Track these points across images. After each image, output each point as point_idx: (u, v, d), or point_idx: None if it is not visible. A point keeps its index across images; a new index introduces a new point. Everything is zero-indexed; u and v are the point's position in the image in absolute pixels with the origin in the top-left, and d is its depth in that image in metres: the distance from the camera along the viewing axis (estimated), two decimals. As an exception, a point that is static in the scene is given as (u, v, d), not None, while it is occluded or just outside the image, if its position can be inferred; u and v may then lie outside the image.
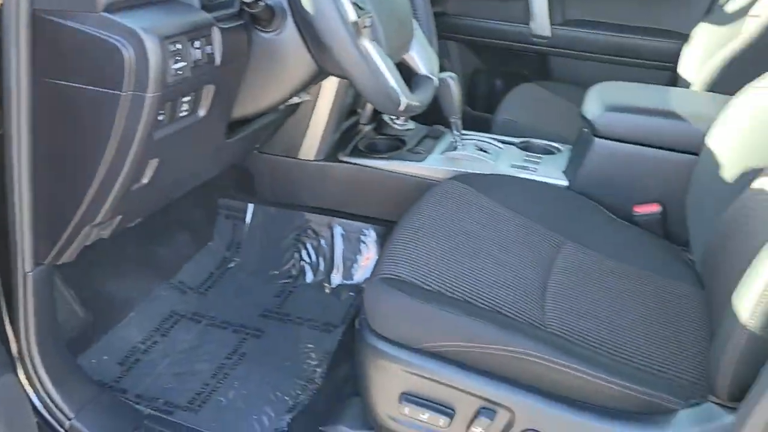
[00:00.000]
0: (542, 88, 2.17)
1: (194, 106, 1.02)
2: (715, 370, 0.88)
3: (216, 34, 1.00)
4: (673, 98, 1.46)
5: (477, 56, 2.50)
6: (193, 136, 1.07)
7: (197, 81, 0.99)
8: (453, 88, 1.53)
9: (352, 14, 0.99)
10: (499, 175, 1.48)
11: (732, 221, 1.13)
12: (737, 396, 0.84)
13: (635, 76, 2.24)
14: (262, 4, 1.00)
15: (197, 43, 0.96)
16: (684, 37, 2.11)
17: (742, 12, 1.82)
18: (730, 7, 1.90)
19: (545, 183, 1.48)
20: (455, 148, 1.59)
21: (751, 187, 1.12)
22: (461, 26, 2.40)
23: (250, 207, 1.72)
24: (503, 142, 1.68)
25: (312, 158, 1.60)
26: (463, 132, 1.65)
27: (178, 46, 0.92)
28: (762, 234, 0.98)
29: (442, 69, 2.45)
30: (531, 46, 2.33)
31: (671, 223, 1.40)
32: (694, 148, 1.32)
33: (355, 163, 1.60)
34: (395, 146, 1.65)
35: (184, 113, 1.01)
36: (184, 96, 0.98)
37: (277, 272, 1.68)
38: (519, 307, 1.04)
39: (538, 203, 1.36)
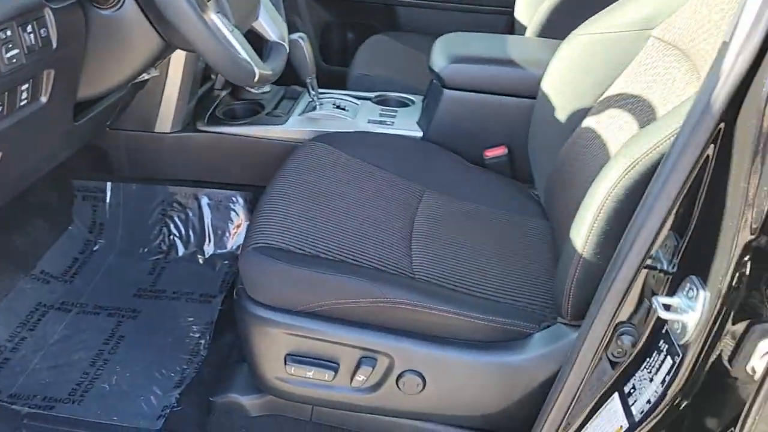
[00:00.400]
0: (392, 39, 2.22)
1: (34, 93, 0.97)
2: (560, 294, 1.00)
3: (49, 16, 0.95)
4: (511, 46, 1.56)
5: (326, 11, 2.51)
6: (38, 123, 1.02)
7: (34, 67, 0.94)
8: (305, 48, 1.55)
9: (194, -10, 0.98)
10: (358, 132, 1.53)
11: (566, 157, 1.26)
12: (580, 315, 0.96)
13: (477, 22, 2.37)
14: (95, -20, 0.96)
15: (29, 28, 0.91)
16: None
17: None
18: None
19: (401, 135, 1.55)
20: (314, 108, 1.62)
21: (581, 125, 1.25)
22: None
23: (109, 185, 1.66)
24: (359, 98, 1.73)
25: (168, 130, 1.56)
26: (320, 90, 1.68)
27: (8, 33, 0.87)
28: (591, 168, 1.11)
29: (292, 27, 2.46)
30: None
31: (517, 163, 1.52)
32: (533, 93, 1.43)
33: (214, 132, 1.58)
34: (254, 111, 1.64)
35: (24, 102, 0.96)
36: (21, 84, 0.93)
37: (147, 249, 1.65)
38: (388, 259, 1.11)
39: (397, 156, 1.43)
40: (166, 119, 1.55)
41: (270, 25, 1.23)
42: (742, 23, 0.67)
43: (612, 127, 1.16)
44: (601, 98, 1.25)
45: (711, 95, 0.68)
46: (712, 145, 0.71)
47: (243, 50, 1.05)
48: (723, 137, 0.70)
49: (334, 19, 2.53)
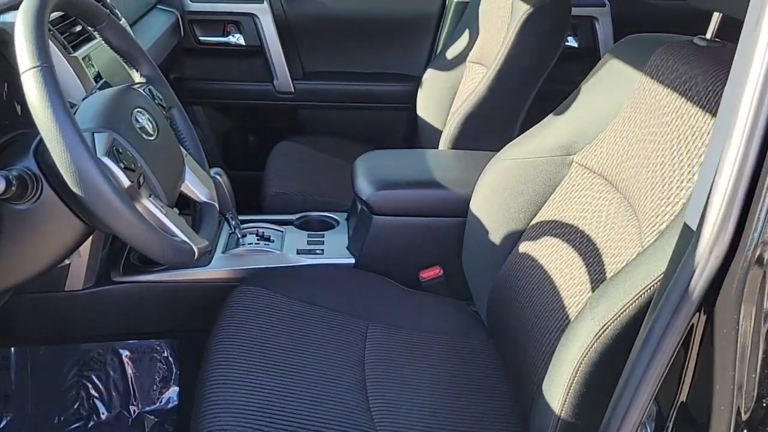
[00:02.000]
0: (298, 145, 2.20)
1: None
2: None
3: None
4: (434, 165, 1.58)
5: (227, 117, 2.45)
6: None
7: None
8: (223, 184, 1.48)
9: (125, 180, 0.91)
10: (290, 267, 1.48)
11: (507, 281, 1.27)
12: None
13: (378, 118, 2.41)
14: (13, 188, 0.87)
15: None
16: (415, 80, 2.30)
17: (461, 58, 2.04)
18: (449, 54, 2.10)
19: (334, 266, 1.51)
20: (237, 243, 1.55)
21: (517, 249, 1.27)
22: (204, 90, 2.34)
23: (13, 352, 1.49)
24: (281, 222, 1.68)
25: (81, 287, 1.43)
26: (240, 217, 1.61)
27: None
28: (538, 300, 1.13)
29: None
30: (278, 102, 2.34)
31: (452, 281, 1.52)
32: (461, 212, 1.45)
33: (131, 282, 1.47)
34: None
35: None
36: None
37: (63, 418, 1.49)
38: (348, 420, 1.06)
39: (333, 290, 1.39)
40: (77, 276, 1.42)
41: (198, 185, 1.17)
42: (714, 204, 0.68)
43: (552, 257, 1.18)
44: (533, 222, 1.28)
45: (688, 283, 0.70)
46: (693, 327, 0.73)
47: (179, 230, 0.98)
48: (705, 324, 0.71)
49: (235, 125, 2.48)
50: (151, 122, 1.05)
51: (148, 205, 0.96)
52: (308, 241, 1.60)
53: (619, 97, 1.17)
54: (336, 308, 1.33)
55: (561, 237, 1.20)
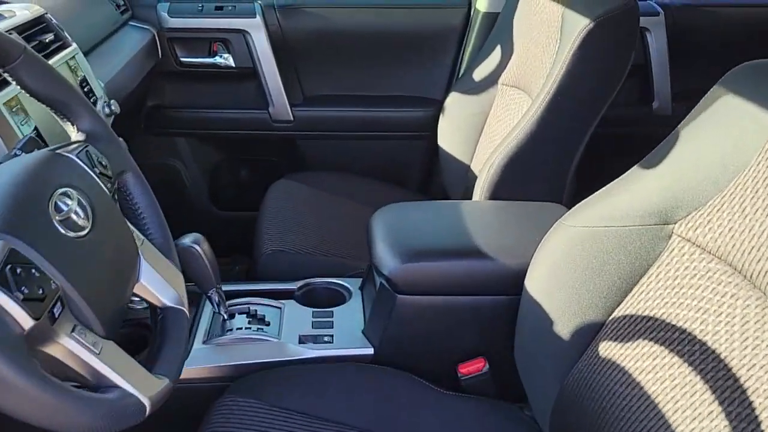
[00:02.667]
0: (299, 185, 1.86)
1: None
2: None
3: None
4: (474, 225, 1.23)
5: (215, 150, 2.12)
6: None
7: None
8: (203, 256, 1.14)
9: (24, 320, 0.57)
10: (289, 368, 1.14)
11: (582, 390, 0.93)
12: None
13: (392, 150, 2.07)
14: None
15: None
16: (435, 104, 1.97)
17: (492, 79, 1.70)
18: (477, 74, 1.77)
19: (347, 363, 1.17)
20: (223, 329, 1.21)
21: (597, 347, 0.93)
22: (188, 120, 2.00)
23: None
24: (279, 293, 1.34)
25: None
26: (228, 291, 1.28)
27: None
28: (634, 426, 0.79)
29: (173, 173, 2.04)
30: (274, 133, 2.01)
31: (501, 378, 1.18)
32: (513, 289, 1.11)
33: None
34: (139, 341, 1.21)
35: None
36: None
37: None
38: None
39: (347, 396, 1.06)
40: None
41: (159, 284, 0.83)
42: None
43: (656, 371, 0.84)
44: (619, 313, 0.94)
45: None
46: None
47: (121, 376, 0.65)
48: None
49: (225, 158, 2.14)
50: (82, 209, 0.71)
51: (70, 344, 0.62)
52: (313, 322, 1.26)
53: (744, 145, 0.84)
54: (351, 423, 0.99)
55: (667, 342, 0.86)
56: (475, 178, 1.67)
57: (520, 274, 1.07)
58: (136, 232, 0.84)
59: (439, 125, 1.85)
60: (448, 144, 1.81)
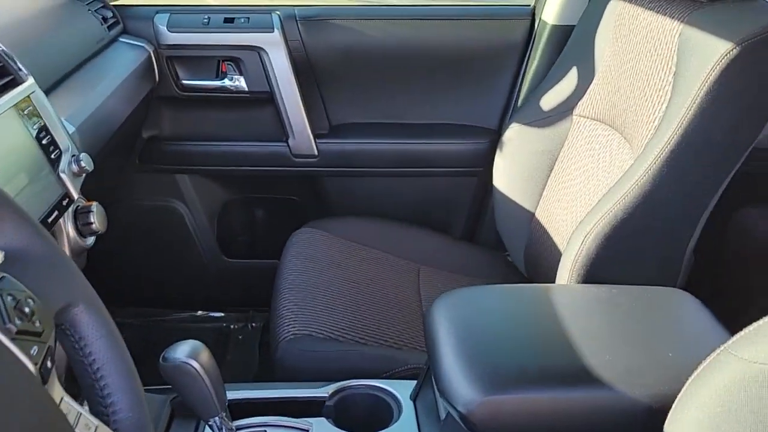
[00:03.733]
0: (323, 233, 1.52)
1: None
2: None
3: None
4: (578, 331, 0.88)
5: (224, 189, 1.79)
6: None
7: None
8: (203, 373, 0.82)
9: None
10: None
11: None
12: None
13: (436, 189, 1.73)
14: None
15: None
16: (490, 135, 1.63)
17: (564, 109, 1.36)
18: (545, 102, 1.43)
19: None
20: (228, 472, 0.88)
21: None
22: (191, 154, 1.67)
23: None
24: (305, 403, 1.01)
25: None
26: (236, 400, 0.96)
27: None
28: None
29: (174, 214, 1.72)
30: (295, 169, 1.68)
31: None
32: (640, 428, 0.78)
33: None
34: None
35: None
36: None
37: None
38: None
39: None
40: None
41: None
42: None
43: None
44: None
45: None
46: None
47: None
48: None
49: (234, 197, 1.81)
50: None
51: None
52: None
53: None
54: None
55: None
56: (542, 230, 1.33)
57: (656, 415, 0.73)
58: (84, 414, 0.51)
59: (495, 161, 1.51)
60: (507, 185, 1.47)
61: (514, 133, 1.47)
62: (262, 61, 1.57)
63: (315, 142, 1.64)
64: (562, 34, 1.49)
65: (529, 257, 1.36)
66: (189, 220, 1.75)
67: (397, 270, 1.41)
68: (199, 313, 1.89)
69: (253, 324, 1.85)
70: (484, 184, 1.64)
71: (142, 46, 1.51)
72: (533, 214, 1.39)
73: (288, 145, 1.65)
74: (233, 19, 1.57)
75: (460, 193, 1.71)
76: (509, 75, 1.63)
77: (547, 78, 1.46)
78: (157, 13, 1.57)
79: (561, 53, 1.46)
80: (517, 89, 1.62)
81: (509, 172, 1.47)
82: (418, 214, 1.70)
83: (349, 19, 1.58)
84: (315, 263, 1.39)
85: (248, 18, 1.57)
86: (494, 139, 1.58)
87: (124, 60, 1.44)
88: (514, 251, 1.44)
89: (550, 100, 1.42)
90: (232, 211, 1.81)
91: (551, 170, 1.39)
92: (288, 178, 1.73)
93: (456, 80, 1.65)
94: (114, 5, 1.55)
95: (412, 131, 1.68)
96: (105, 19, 1.45)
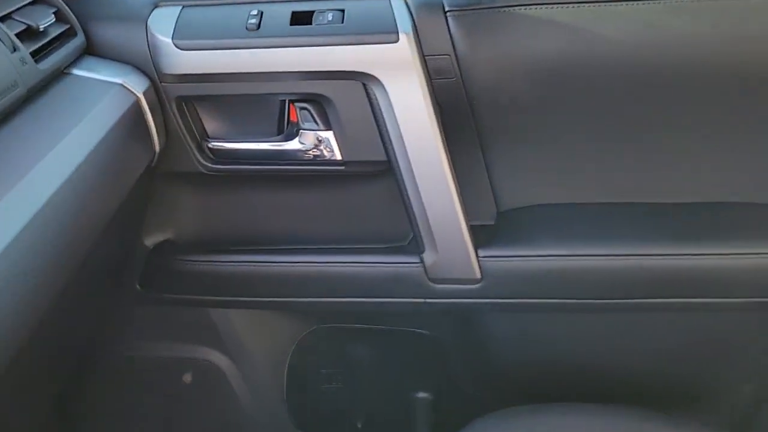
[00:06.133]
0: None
1: None
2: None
3: None
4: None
5: (292, 321, 0.99)
6: None
7: None
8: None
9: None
10: None
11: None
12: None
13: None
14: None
15: None
16: None
17: None
18: None
19: None
20: None
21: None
22: (228, 273, 0.87)
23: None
24: None
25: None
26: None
27: None
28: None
29: (210, 373, 0.96)
30: (435, 301, 0.86)
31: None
32: None
33: None
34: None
35: None
36: None
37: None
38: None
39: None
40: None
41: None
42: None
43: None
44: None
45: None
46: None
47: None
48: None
49: (315, 328, 1.01)
50: None
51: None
52: None
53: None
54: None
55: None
56: None
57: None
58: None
59: None
60: None
61: None
62: (370, 100, 0.75)
63: (476, 254, 0.82)
64: None
65: None
66: (235, 380, 0.97)
67: None
68: None
69: None
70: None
71: (120, 84, 0.71)
72: None
73: (422, 262, 0.83)
74: (310, 14, 0.75)
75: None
76: None
77: None
78: (155, 7, 0.77)
79: None
80: None
81: None
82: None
83: (555, 7, 0.74)
84: None
85: (341, 12, 0.75)
86: None
87: (85, 114, 0.65)
88: None
89: None
90: (310, 352, 1.01)
91: None
92: (419, 315, 0.92)
93: (747, 120, 0.80)
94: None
95: (677, 225, 0.84)
96: (34, 34, 0.66)
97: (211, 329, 0.94)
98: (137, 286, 0.90)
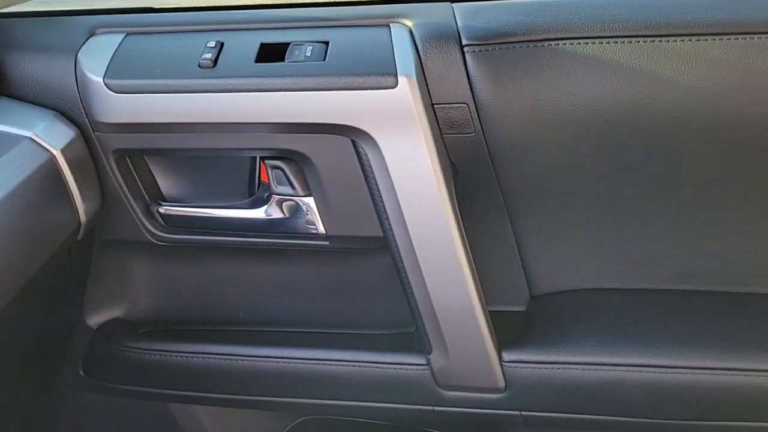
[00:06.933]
0: None
1: None
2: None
3: None
4: None
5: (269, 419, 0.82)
6: None
7: None
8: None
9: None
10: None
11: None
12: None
13: None
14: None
15: None
16: None
17: None
18: None
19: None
20: None
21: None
22: (189, 364, 0.70)
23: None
24: None
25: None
26: None
27: None
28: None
29: None
30: (446, 410, 0.68)
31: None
32: None
33: None
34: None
35: None
36: None
37: None
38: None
39: None
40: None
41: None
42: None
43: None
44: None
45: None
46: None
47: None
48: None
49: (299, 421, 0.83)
50: None
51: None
52: None
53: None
54: None
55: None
56: None
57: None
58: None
59: None
60: None
61: None
62: (361, 161, 0.57)
63: (499, 358, 0.63)
64: None
65: None
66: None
67: None
68: None
69: None
70: None
71: (28, 138, 0.54)
72: None
73: (429, 364, 0.65)
74: (284, 47, 0.57)
75: None
76: None
77: None
78: (91, 35, 0.60)
79: None
80: None
81: None
82: None
83: (606, 42, 0.55)
84: None
85: (324, 45, 0.57)
86: None
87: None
88: None
89: None
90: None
91: None
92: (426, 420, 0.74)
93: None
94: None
95: (757, 327, 0.63)
96: None
97: (172, 426, 0.76)
98: (81, 373, 0.73)
